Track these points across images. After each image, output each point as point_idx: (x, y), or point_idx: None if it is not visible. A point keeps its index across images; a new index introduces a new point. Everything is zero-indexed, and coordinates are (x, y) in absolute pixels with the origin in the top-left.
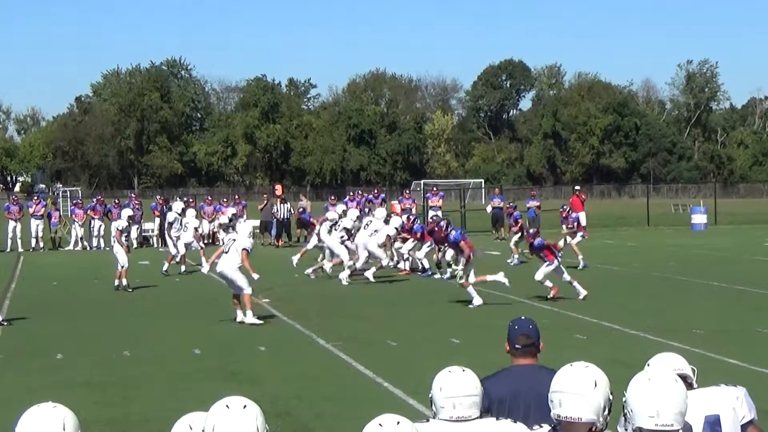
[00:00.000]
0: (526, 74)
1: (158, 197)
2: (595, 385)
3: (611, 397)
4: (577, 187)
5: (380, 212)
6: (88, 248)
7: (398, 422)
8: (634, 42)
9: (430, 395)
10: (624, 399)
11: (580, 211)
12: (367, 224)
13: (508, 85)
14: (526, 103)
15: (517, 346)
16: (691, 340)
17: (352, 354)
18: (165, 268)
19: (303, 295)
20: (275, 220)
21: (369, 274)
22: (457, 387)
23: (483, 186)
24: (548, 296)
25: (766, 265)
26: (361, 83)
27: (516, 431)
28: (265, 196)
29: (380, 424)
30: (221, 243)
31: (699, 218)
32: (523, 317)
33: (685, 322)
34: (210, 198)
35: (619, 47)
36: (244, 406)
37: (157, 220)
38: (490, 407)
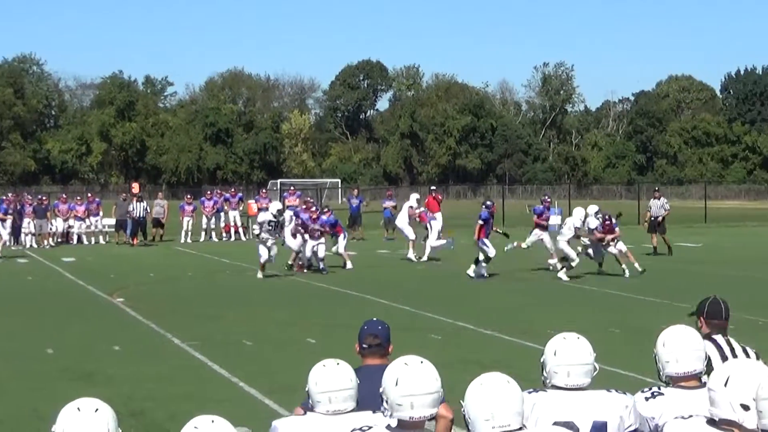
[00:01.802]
0: (384, 75)
1: (9, 194)
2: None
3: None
4: (433, 188)
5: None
6: None
7: (212, 421)
8: (491, 44)
9: (306, 389)
10: (462, 409)
11: (437, 211)
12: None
13: (365, 85)
14: (383, 104)
15: (364, 345)
16: (545, 340)
17: (207, 354)
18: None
19: (158, 295)
20: (131, 218)
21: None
22: (332, 381)
23: (340, 186)
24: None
25: (617, 267)
26: (218, 82)
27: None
28: (124, 194)
29: (195, 427)
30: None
31: (553, 219)
32: (374, 318)
33: (540, 323)
34: (64, 196)
35: (475, 49)
36: (96, 410)
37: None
38: None
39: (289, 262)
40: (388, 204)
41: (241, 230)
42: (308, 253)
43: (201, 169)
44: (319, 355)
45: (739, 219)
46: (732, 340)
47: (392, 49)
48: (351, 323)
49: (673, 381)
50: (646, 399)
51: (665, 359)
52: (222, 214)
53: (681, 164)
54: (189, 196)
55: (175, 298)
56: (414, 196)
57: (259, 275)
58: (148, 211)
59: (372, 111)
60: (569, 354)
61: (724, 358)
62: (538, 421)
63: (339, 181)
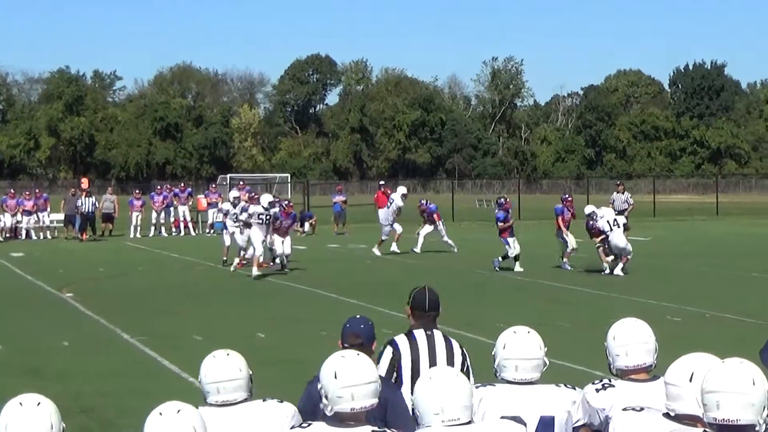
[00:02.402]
0: (333, 69)
1: None
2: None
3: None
4: (382, 182)
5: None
6: None
7: (179, 410)
8: (440, 38)
9: (199, 380)
10: (411, 404)
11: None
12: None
13: (314, 79)
14: (333, 98)
15: (345, 345)
16: (493, 334)
17: (157, 349)
18: None
19: (108, 290)
20: (79, 214)
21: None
22: (220, 372)
23: (289, 181)
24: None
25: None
26: (167, 76)
27: (283, 410)
28: (73, 189)
29: (160, 413)
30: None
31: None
32: (357, 315)
33: (486, 315)
34: (12, 191)
35: (425, 43)
36: (38, 404)
37: None
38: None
39: (224, 258)
40: (338, 198)
41: (190, 225)
42: (279, 250)
43: (150, 164)
44: (269, 349)
45: (687, 213)
46: (439, 336)
47: (341, 43)
48: (301, 316)
49: (623, 374)
50: (597, 391)
51: (615, 352)
52: (171, 209)
53: (630, 158)
54: (138, 191)
55: (124, 293)
56: (401, 190)
57: (255, 271)
58: (97, 206)
59: (321, 106)
60: (518, 348)
61: (412, 361)
62: (485, 415)
63: (288, 176)
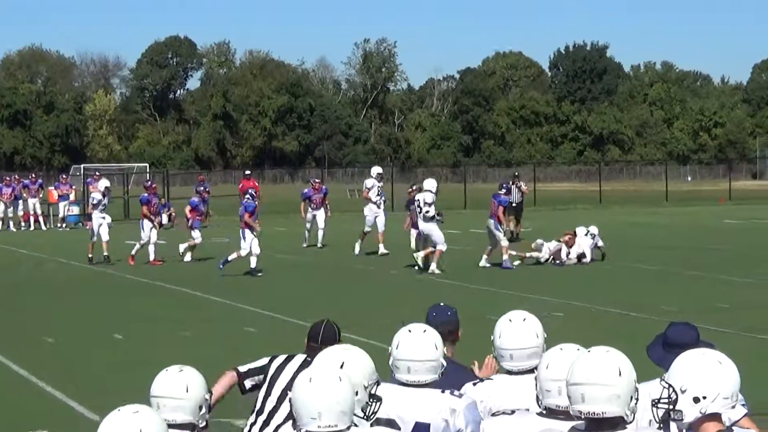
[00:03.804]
0: (194, 52)
1: None
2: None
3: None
4: (248, 172)
5: None
6: None
7: (136, 411)
8: (308, 19)
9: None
10: (290, 400)
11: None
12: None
13: (174, 63)
14: (194, 83)
15: None
16: (371, 333)
17: (5, 352)
18: None
19: None
20: None
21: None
22: (165, 389)
23: (148, 170)
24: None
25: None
26: (15, 60)
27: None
28: None
29: (119, 409)
30: None
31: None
32: (442, 303)
33: (365, 314)
34: None
35: (291, 24)
36: None
37: None
38: None
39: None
40: (201, 189)
41: (41, 219)
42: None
43: None
44: (127, 352)
45: (569, 201)
46: None
47: (202, 24)
48: (155, 315)
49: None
50: (474, 384)
51: (500, 354)
52: (20, 202)
53: (509, 145)
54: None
55: None
56: (429, 183)
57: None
58: None
59: (182, 91)
60: (411, 349)
61: (270, 378)
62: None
63: (147, 165)
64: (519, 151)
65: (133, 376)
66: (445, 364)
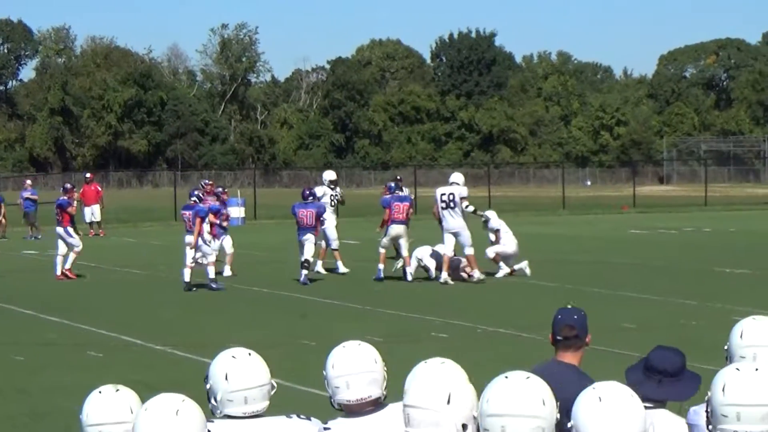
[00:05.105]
0: (28, 38)
1: None
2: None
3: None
4: (88, 175)
5: None
6: None
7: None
8: (157, 1)
9: None
10: None
11: (94, 204)
12: None
13: (5, 50)
14: (28, 73)
15: (558, 337)
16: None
17: None
18: None
19: None
20: None
21: None
22: (103, 415)
23: None
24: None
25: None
26: None
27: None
28: None
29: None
30: None
31: (236, 212)
32: (569, 305)
33: (223, 335)
34: None
35: (139, 7)
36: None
37: None
38: None
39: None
40: (28, 195)
41: None
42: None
43: None
44: None
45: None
46: None
47: (37, 6)
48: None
49: (347, 409)
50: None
51: (335, 384)
52: None
53: (387, 145)
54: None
55: None
56: (458, 176)
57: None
58: None
59: (14, 82)
60: (240, 377)
61: None
62: None
63: None
64: (398, 152)
65: None
66: (274, 385)
